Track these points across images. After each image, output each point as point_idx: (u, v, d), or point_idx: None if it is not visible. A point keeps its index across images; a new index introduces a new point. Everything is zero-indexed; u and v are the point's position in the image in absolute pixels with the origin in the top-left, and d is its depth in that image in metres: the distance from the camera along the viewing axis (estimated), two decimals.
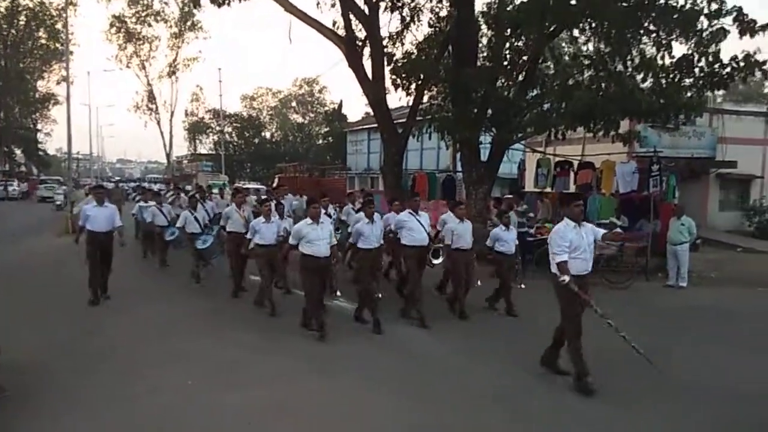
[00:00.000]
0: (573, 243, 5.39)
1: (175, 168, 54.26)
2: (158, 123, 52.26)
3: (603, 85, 10.80)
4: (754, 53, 10.04)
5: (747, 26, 9.88)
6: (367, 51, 12.56)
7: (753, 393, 5.41)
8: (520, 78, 11.70)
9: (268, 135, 57.07)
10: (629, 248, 11.67)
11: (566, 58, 11.82)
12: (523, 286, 9.44)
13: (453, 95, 11.56)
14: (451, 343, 7.09)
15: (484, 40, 12.08)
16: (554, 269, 5.47)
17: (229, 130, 53.63)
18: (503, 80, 11.77)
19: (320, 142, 53.75)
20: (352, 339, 7.07)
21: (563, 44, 13.02)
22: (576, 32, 11.39)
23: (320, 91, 59.05)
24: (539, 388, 5.51)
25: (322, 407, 5.05)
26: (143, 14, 47.36)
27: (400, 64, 11.63)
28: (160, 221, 12.02)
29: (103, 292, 8.71)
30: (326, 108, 56.34)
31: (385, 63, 12.32)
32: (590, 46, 11.60)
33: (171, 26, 48.77)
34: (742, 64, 10.16)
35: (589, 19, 10.78)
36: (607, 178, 12.68)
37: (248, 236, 8.36)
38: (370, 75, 12.51)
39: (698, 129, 20.09)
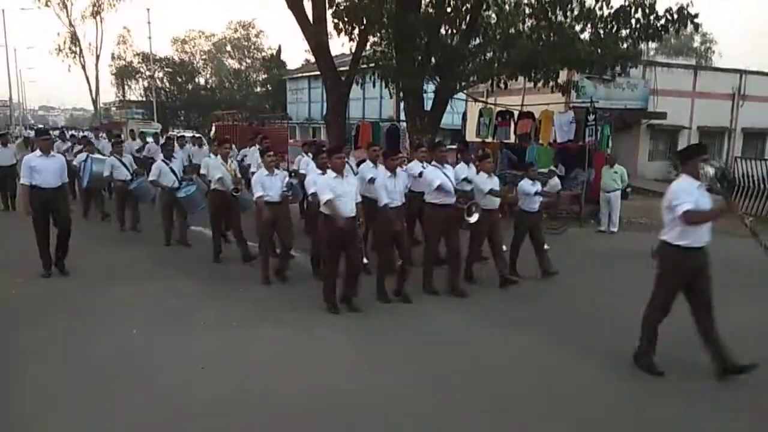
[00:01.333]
0: None
1: (103, 116, 51.44)
2: (83, 67, 49.17)
3: (544, 34, 10.89)
4: (687, 6, 10.32)
5: None
6: None
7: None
8: (464, 26, 11.60)
9: (202, 81, 54.70)
10: (564, 196, 12.11)
11: (508, 7, 11.76)
12: (547, 246, 8.20)
13: (397, 42, 11.37)
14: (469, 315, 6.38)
15: None
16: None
17: (161, 75, 51.02)
18: (447, 28, 11.64)
19: (258, 89, 52.04)
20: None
21: None
22: None
23: (257, 36, 56.70)
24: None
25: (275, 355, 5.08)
26: None
27: (342, 8, 11.27)
28: (120, 174, 10.61)
29: (59, 268, 7.44)
30: (264, 54, 54.32)
31: (327, 6, 11.91)
32: None
33: None
34: (676, 16, 10.43)
35: None
36: (546, 128, 12.98)
37: (255, 193, 7.23)
38: (311, 18, 12.09)
39: (632, 81, 20.73)
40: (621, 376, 4.77)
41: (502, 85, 10.81)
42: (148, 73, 49.89)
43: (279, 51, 50.52)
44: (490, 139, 14.14)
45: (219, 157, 8.49)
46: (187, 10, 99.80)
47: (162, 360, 4.88)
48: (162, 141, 15.21)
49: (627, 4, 10.60)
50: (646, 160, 22.98)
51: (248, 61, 56.32)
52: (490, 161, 7.66)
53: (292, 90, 42.93)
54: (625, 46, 10.91)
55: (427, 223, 7.18)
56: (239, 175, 8.58)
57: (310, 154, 10.02)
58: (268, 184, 7.29)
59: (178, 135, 16.82)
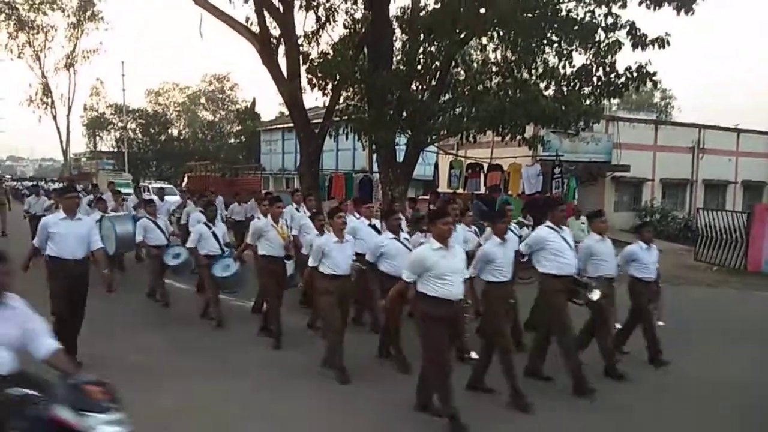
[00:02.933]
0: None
1: (73, 166, 50.88)
2: (54, 118, 48.75)
3: (510, 91, 11.32)
4: (646, 65, 10.88)
5: (639, 39, 10.65)
6: (281, 49, 12.41)
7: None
8: (434, 82, 12.01)
9: (175, 132, 54.85)
10: None
11: (476, 65, 12.25)
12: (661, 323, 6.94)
13: (369, 97, 11.68)
14: None
15: (399, 44, 12.29)
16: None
17: (133, 126, 51.04)
18: (417, 84, 12.02)
19: (232, 140, 52.36)
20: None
21: (473, 51, 13.49)
22: (485, 40, 11.84)
23: (232, 89, 57.49)
24: None
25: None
26: (37, 1, 43.98)
27: (315, 64, 11.58)
28: (155, 239, 8.95)
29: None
30: (238, 106, 54.94)
31: (301, 62, 12.24)
32: (498, 54, 12.09)
33: (68, 15, 45.64)
34: (635, 74, 10.97)
35: (497, 28, 11.25)
36: (514, 179, 13.33)
37: (311, 263, 6.14)
38: (285, 74, 12.38)
39: (596, 135, 21.49)
40: None
41: (471, 139, 11.11)
42: (120, 124, 49.85)
43: (253, 103, 51.18)
44: (461, 191, 14.43)
45: (269, 218, 7.17)
46: (163, 63, 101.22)
47: None
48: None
49: (589, 62, 11.13)
50: (612, 210, 23.56)
51: (222, 112, 56.84)
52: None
53: (266, 141, 43.30)
54: (587, 102, 11.39)
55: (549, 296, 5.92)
56: (290, 238, 7.38)
57: (303, 206, 9.43)
58: (337, 254, 6.04)
59: (158, 187, 16.42)
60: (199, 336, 7.50)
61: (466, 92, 11.42)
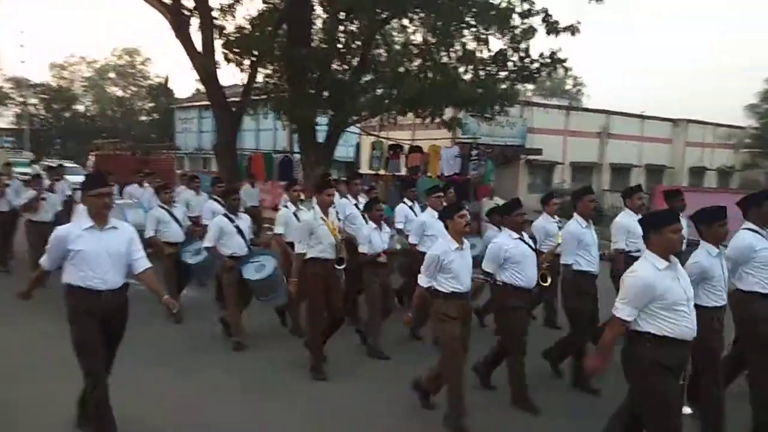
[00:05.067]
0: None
1: None
2: None
3: (430, 74, 11.44)
4: (557, 51, 11.31)
5: (552, 26, 11.06)
6: (195, 22, 11.86)
7: None
8: (355, 62, 11.92)
9: (81, 108, 51.52)
10: None
11: (397, 46, 12.27)
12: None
13: (288, 74, 11.43)
14: None
15: (319, 22, 12.08)
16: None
17: (35, 101, 47.45)
18: (338, 63, 11.89)
19: (144, 118, 49.86)
20: None
21: (394, 33, 13.51)
22: (406, 22, 11.87)
23: (143, 63, 54.58)
24: None
25: None
26: None
27: (232, 39, 11.19)
28: (172, 234, 7.33)
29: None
30: (151, 82, 52.29)
31: (216, 36, 11.77)
32: (419, 36, 12.16)
33: None
34: (548, 60, 11.39)
35: (417, 10, 11.31)
36: (434, 161, 13.55)
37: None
38: (200, 48, 11.87)
39: (511, 119, 22.20)
40: None
41: (392, 120, 11.16)
42: (20, 99, 46.21)
43: (167, 79, 48.90)
44: (382, 172, 14.49)
45: (316, 207, 5.59)
46: (68, 35, 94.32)
47: None
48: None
49: (505, 47, 11.43)
50: (526, 192, 24.53)
51: (133, 88, 53.92)
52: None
53: (181, 119, 41.56)
54: (503, 86, 11.71)
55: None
56: (342, 236, 5.76)
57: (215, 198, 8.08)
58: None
59: (56, 165, 14.82)
60: (231, 365, 5.84)
61: (388, 73, 11.43)
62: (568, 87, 53.61)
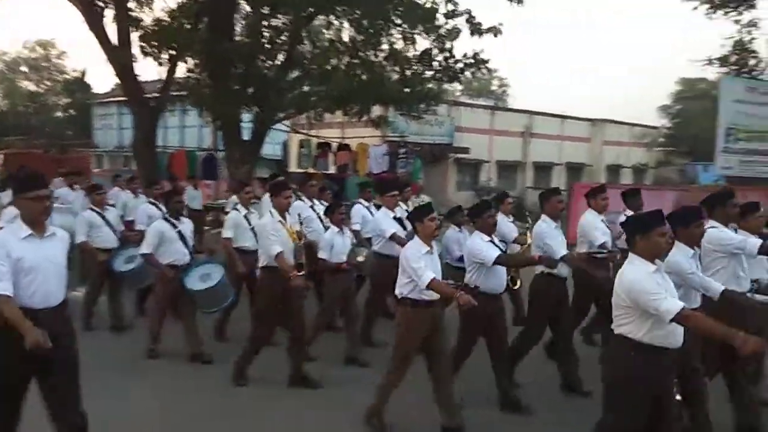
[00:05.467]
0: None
1: None
2: None
3: (358, 72, 11.41)
4: (480, 52, 11.55)
5: (476, 28, 11.28)
6: (110, 13, 11.29)
7: None
8: (281, 58, 11.72)
9: None
10: None
11: (325, 43, 12.16)
12: None
13: (211, 69, 11.09)
14: None
15: (244, 16, 11.78)
16: None
17: None
18: (263, 58, 11.65)
19: (60, 114, 47.15)
20: None
21: (324, 30, 13.40)
22: (332, 18, 11.78)
23: (59, 57, 51.57)
24: None
25: None
26: None
27: (150, 31, 10.73)
28: (104, 239, 6.81)
29: None
30: (67, 76, 49.49)
31: (133, 29, 11.25)
32: (347, 34, 12.10)
33: None
34: (471, 61, 11.62)
35: (344, 7, 11.24)
36: (362, 159, 13.56)
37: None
38: (115, 40, 11.31)
39: (439, 118, 22.53)
40: None
41: (318, 118, 11.05)
42: None
43: (84, 73, 46.42)
44: (311, 170, 14.37)
45: (273, 210, 5.20)
46: None
47: None
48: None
49: (430, 47, 11.56)
50: (454, 190, 25.02)
51: (48, 83, 50.86)
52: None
53: (100, 116, 39.59)
54: (429, 85, 11.85)
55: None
56: (301, 241, 5.37)
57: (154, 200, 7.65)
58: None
59: None
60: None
61: (315, 70, 11.30)
62: (494, 87, 55.06)
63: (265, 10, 11.03)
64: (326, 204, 7.06)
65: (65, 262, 3.52)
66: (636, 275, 3.29)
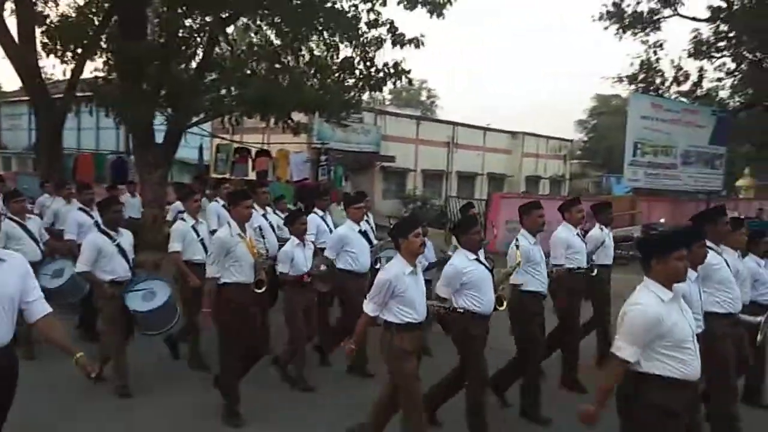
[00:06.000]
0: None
1: None
2: None
3: (279, 77, 11.25)
4: (401, 62, 11.66)
5: (398, 38, 11.39)
6: (10, 7, 10.62)
7: None
8: (197, 60, 11.40)
9: None
10: None
11: (244, 47, 11.93)
12: None
13: (121, 69, 10.62)
14: None
15: (157, 16, 11.36)
16: None
17: None
18: (178, 60, 11.28)
19: None
20: None
21: (245, 34, 13.13)
22: (251, 23, 11.58)
23: None
24: None
25: None
26: None
27: (54, 27, 10.16)
28: (26, 253, 5.08)
29: None
30: None
31: (37, 24, 10.63)
32: (266, 38, 11.93)
33: None
34: (392, 70, 11.71)
35: (265, 11, 11.07)
36: (282, 166, 13.37)
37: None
38: (16, 36, 10.64)
39: (366, 126, 22.66)
40: None
41: (234, 122, 10.80)
42: None
43: None
44: (228, 175, 14.00)
45: (232, 222, 4.84)
46: None
47: None
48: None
49: (352, 56, 11.57)
50: (381, 198, 25.12)
51: None
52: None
53: (7, 115, 37.11)
54: (352, 93, 11.84)
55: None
56: (265, 254, 5.26)
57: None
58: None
59: None
60: None
61: (232, 74, 11.05)
62: (423, 98, 56.02)
63: (181, 10, 10.71)
64: (280, 214, 6.82)
65: (20, 293, 2.97)
66: (637, 302, 3.04)
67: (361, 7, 11.41)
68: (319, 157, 12.80)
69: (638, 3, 19.68)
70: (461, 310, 4.30)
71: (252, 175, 13.92)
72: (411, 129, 26.09)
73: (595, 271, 5.77)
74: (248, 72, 11.13)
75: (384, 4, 11.41)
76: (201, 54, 11.30)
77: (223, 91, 11.18)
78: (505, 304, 4.69)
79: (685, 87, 20.99)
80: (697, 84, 20.94)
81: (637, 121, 17.35)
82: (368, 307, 3.97)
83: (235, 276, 4.67)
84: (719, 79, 21.88)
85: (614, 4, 19.89)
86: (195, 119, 11.49)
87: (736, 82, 22.26)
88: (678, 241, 3.13)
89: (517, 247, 4.87)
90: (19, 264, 3.06)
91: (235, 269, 4.67)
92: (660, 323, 2.94)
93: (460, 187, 27.85)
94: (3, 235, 5.61)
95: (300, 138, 14.43)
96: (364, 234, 5.99)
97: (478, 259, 4.44)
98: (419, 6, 11.32)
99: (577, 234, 5.67)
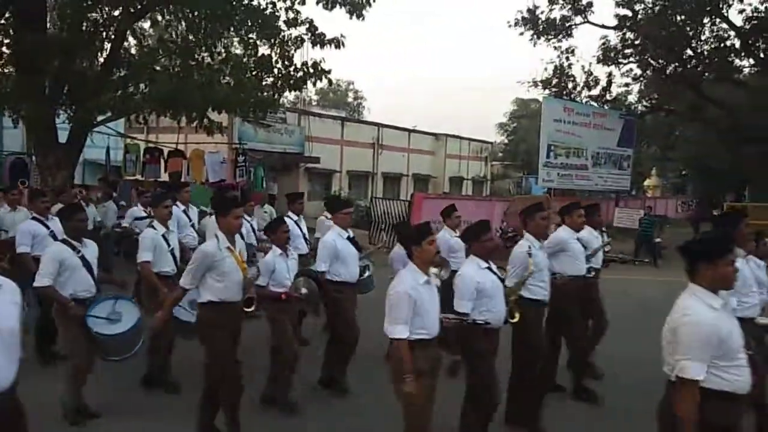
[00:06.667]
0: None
1: None
2: None
3: (193, 74, 10.85)
4: (321, 61, 11.53)
5: (318, 38, 11.26)
6: None
7: None
8: (104, 55, 10.82)
9: None
10: None
11: (151, 42, 11.43)
12: None
13: (17, 63, 9.92)
14: None
15: (59, 7, 10.70)
16: None
17: None
18: (83, 55, 10.66)
19: None
20: None
21: (155, 29, 12.59)
22: (161, 17, 11.13)
23: None
24: None
25: None
26: None
27: None
28: None
29: None
30: None
31: None
32: (177, 33, 11.49)
33: None
34: (312, 70, 11.56)
35: (179, 6, 10.66)
36: (197, 166, 12.94)
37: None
38: None
39: (289, 127, 22.35)
40: None
41: (142, 121, 10.32)
42: None
43: None
44: (140, 177, 13.40)
45: (220, 234, 4.36)
46: None
47: None
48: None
49: (270, 54, 11.33)
50: (306, 199, 24.81)
51: None
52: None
53: None
54: (271, 93, 11.58)
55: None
56: (253, 271, 4.88)
57: None
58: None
59: None
60: None
61: (139, 70, 10.56)
62: (350, 99, 56.05)
63: (85, 3, 10.12)
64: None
65: (17, 327, 2.62)
66: (688, 313, 2.80)
67: (280, 5, 11.22)
68: (237, 158, 12.45)
69: (551, 10, 20.53)
70: (481, 322, 4.02)
71: (165, 177, 13.38)
72: (336, 130, 26.00)
73: (593, 273, 5.59)
74: (158, 69, 10.68)
75: (303, 2, 11.26)
76: (108, 49, 10.73)
77: (131, 89, 10.67)
78: (517, 316, 4.38)
79: (596, 92, 22.11)
80: (606, 89, 22.09)
81: (551, 124, 18.10)
82: (397, 330, 3.52)
83: (221, 294, 4.21)
84: (626, 85, 23.25)
85: (529, 10, 20.66)
86: (101, 118, 10.88)
87: (642, 87, 23.68)
88: (728, 246, 2.93)
89: (530, 255, 4.58)
90: (14, 290, 2.71)
91: (221, 286, 4.22)
92: (717, 332, 2.74)
93: (386, 188, 28.05)
94: None
95: (219, 138, 14.05)
96: (352, 241, 5.60)
97: (489, 268, 4.22)
98: (338, 6, 11.25)
99: (577, 238, 5.43)
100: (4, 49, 10.08)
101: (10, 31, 10.13)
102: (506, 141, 48.25)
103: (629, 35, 20.97)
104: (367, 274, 5.80)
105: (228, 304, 4.23)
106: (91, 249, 4.83)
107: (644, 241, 15.96)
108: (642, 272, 14.22)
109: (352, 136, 26.51)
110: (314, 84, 12.79)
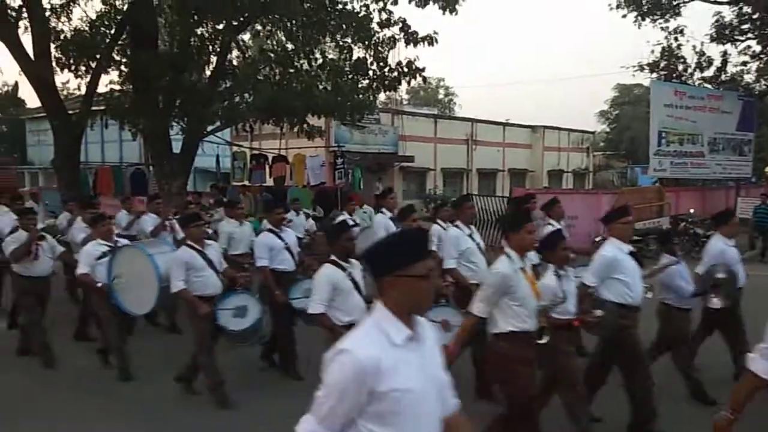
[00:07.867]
0: None
1: None
2: None
3: (293, 82, 11.16)
4: (415, 60, 11.48)
5: (411, 36, 11.21)
6: (24, 24, 10.72)
7: None
8: (211, 68, 11.37)
9: None
10: (320, 236, 12.37)
11: (254, 53, 11.86)
12: None
13: (134, 81, 10.64)
14: None
15: (169, 26, 11.37)
16: None
17: None
18: (191, 69, 11.27)
19: None
20: None
21: (251, 39, 13.08)
22: (261, 28, 11.52)
23: None
24: None
25: None
26: None
27: (68, 41, 10.22)
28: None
29: None
30: None
31: (51, 38, 10.71)
32: (276, 43, 11.86)
33: None
34: (406, 69, 11.52)
35: (276, 16, 11.00)
36: (299, 171, 13.29)
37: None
38: (31, 51, 10.74)
39: (383, 128, 22.53)
40: None
41: (247, 129, 10.73)
42: None
43: (16, 87, 44.37)
44: (247, 183, 14.00)
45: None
46: None
47: None
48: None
49: (365, 56, 11.42)
50: (401, 198, 24.96)
51: None
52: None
53: (33, 131, 37.83)
54: (367, 95, 11.69)
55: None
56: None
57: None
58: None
59: None
60: None
61: (244, 80, 11.00)
62: (440, 96, 55.69)
63: (192, 20, 10.68)
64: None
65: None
66: None
67: (373, 6, 11.29)
68: (335, 161, 12.68)
69: None
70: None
71: (270, 182, 13.89)
72: (429, 128, 25.89)
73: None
74: (260, 78, 11.07)
75: (395, 2, 11.25)
76: (214, 62, 11.26)
77: (237, 99, 11.14)
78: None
79: (709, 73, 20.42)
80: (721, 69, 20.34)
81: (661, 110, 16.91)
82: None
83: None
84: (744, 63, 21.23)
85: None
86: (210, 128, 11.45)
87: (762, 65, 21.58)
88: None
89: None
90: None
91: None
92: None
93: (481, 184, 27.57)
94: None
95: (317, 142, 14.41)
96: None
97: (631, 252, 4.22)
98: (431, 3, 11.14)
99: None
100: (122, 68, 10.77)
101: (127, 51, 10.88)
102: (608, 129, 45.87)
103: (746, 9, 19.19)
104: None
105: (525, 333, 3.66)
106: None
107: (761, 233, 14.30)
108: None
109: (444, 133, 26.29)
110: (408, 83, 12.79)
